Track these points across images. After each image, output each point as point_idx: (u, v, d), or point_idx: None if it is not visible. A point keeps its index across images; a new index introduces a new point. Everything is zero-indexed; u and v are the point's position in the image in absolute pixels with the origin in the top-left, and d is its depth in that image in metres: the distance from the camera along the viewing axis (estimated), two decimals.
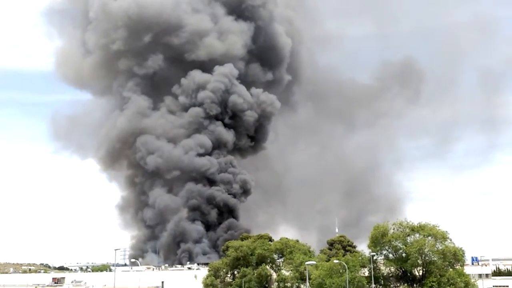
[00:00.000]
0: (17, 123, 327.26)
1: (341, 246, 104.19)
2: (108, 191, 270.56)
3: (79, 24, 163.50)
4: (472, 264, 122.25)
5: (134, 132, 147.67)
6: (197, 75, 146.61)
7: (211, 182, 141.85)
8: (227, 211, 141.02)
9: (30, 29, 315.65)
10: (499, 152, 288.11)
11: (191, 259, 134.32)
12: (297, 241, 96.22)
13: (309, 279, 68.93)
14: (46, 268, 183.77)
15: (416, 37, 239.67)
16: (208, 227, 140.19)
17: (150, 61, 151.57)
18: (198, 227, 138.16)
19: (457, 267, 79.36)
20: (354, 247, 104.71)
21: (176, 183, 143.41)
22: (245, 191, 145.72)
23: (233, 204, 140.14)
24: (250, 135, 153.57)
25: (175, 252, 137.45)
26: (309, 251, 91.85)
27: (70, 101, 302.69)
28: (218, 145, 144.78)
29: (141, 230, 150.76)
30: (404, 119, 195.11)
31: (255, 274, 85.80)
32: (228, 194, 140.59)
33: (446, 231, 78.88)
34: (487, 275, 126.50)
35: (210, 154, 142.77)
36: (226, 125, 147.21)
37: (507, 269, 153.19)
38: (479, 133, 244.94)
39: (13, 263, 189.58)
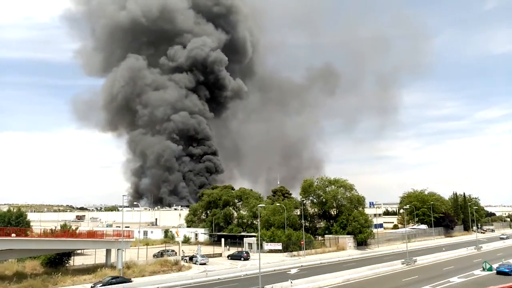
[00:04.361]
0: (44, 100, 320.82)
1: (281, 193, 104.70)
2: (119, 152, 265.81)
3: (90, 29, 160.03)
4: (370, 206, 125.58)
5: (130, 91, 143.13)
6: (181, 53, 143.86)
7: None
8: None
9: (53, 31, 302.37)
10: (387, 130, 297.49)
11: (175, 193, 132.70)
12: (251, 190, 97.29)
13: (260, 216, 69.86)
14: (71, 208, 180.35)
15: (335, 48, 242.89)
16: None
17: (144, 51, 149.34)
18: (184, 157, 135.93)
19: (360, 209, 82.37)
20: (290, 194, 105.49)
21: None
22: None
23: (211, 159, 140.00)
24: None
25: (159, 189, 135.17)
26: (260, 197, 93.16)
27: (86, 85, 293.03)
28: (198, 110, 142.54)
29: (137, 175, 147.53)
30: (324, 107, 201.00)
31: (222, 213, 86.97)
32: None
33: (353, 184, 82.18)
34: (379, 214, 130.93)
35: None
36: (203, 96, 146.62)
37: (393, 210, 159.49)
38: (374, 117, 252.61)
39: (46, 205, 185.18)
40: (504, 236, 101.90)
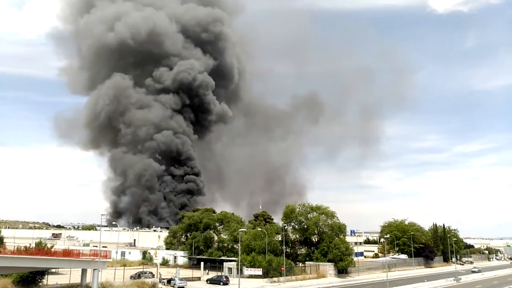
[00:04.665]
0: (25, 115, 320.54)
1: (263, 218, 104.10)
2: (99, 171, 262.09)
3: (77, 48, 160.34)
4: (351, 235, 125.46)
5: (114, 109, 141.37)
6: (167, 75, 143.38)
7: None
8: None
9: (40, 48, 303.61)
10: (369, 160, 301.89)
11: (155, 213, 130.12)
12: (233, 214, 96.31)
13: (240, 241, 69.02)
14: (47, 225, 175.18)
15: (320, 77, 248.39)
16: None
17: (130, 71, 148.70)
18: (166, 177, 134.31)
19: (341, 236, 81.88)
20: (272, 219, 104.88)
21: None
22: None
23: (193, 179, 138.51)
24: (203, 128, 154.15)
25: (139, 209, 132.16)
26: (241, 221, 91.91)
27: (70, 103, 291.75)
28: (182, 131, 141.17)
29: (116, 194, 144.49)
30: (308, 134, 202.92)
31: (202, 237, 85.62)
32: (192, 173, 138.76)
33: (334, 211, 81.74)
34: (360, 243, 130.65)
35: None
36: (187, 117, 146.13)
37: (374, 239, 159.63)
38: (357, 146, 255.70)
39: (22, 221, 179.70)
40: (476, 269, 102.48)
